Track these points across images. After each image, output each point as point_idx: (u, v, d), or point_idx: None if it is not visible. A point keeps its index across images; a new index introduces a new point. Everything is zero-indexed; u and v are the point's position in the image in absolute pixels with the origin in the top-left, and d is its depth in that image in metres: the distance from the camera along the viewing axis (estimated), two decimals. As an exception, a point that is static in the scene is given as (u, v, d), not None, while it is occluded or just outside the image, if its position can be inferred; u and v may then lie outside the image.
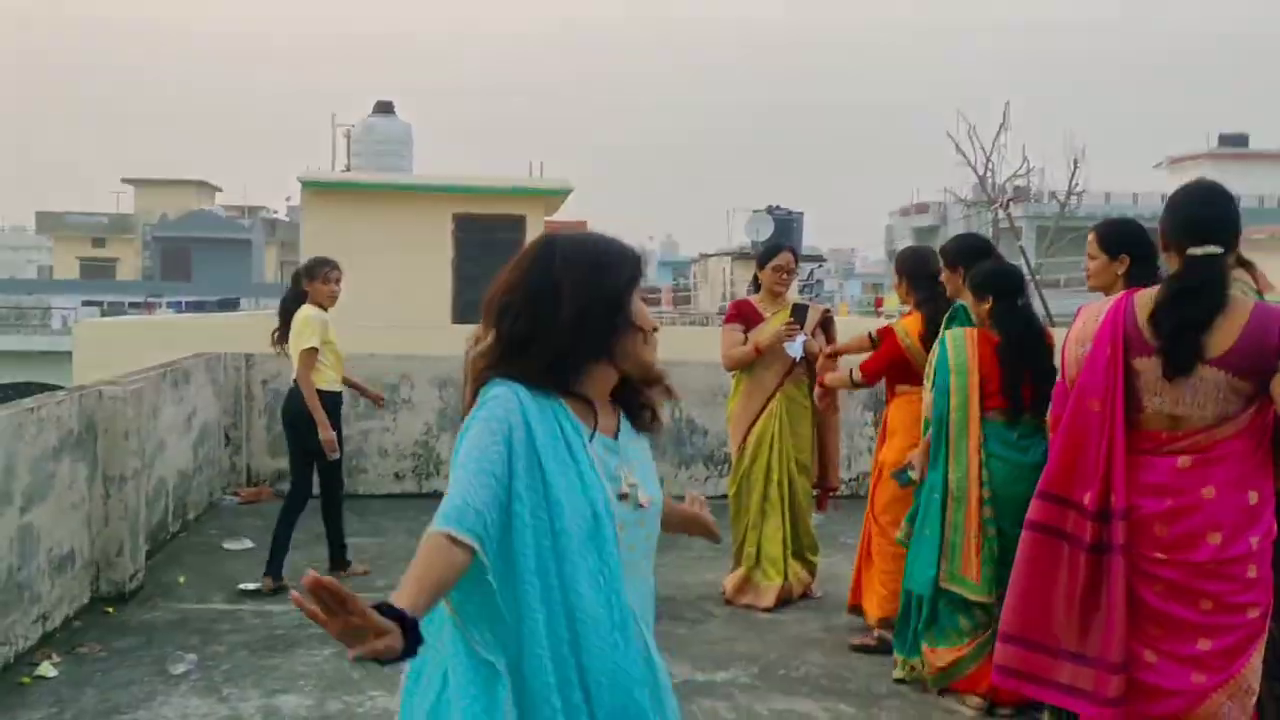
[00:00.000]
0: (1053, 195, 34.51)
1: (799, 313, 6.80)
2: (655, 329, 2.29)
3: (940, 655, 5.25)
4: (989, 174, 27.74)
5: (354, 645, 1.72)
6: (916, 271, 6.08)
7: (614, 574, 2.13)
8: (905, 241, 68.96)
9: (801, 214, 35.86)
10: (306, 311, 7.13)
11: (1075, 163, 28.22)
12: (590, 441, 2.20)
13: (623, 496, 2.20)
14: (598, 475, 2.16)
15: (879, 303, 45.13)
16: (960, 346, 5.23)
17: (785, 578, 6.85)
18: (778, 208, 32.36)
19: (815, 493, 7.14)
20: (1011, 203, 29.31)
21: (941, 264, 5.78)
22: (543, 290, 2.20)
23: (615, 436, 2.28)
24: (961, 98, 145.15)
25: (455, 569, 1.94)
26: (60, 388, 7.51)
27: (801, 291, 37.28)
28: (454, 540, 1.94)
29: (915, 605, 5.37)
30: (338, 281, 7.27)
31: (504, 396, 2.14)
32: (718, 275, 32.50)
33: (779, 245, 7.13)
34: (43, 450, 5.89)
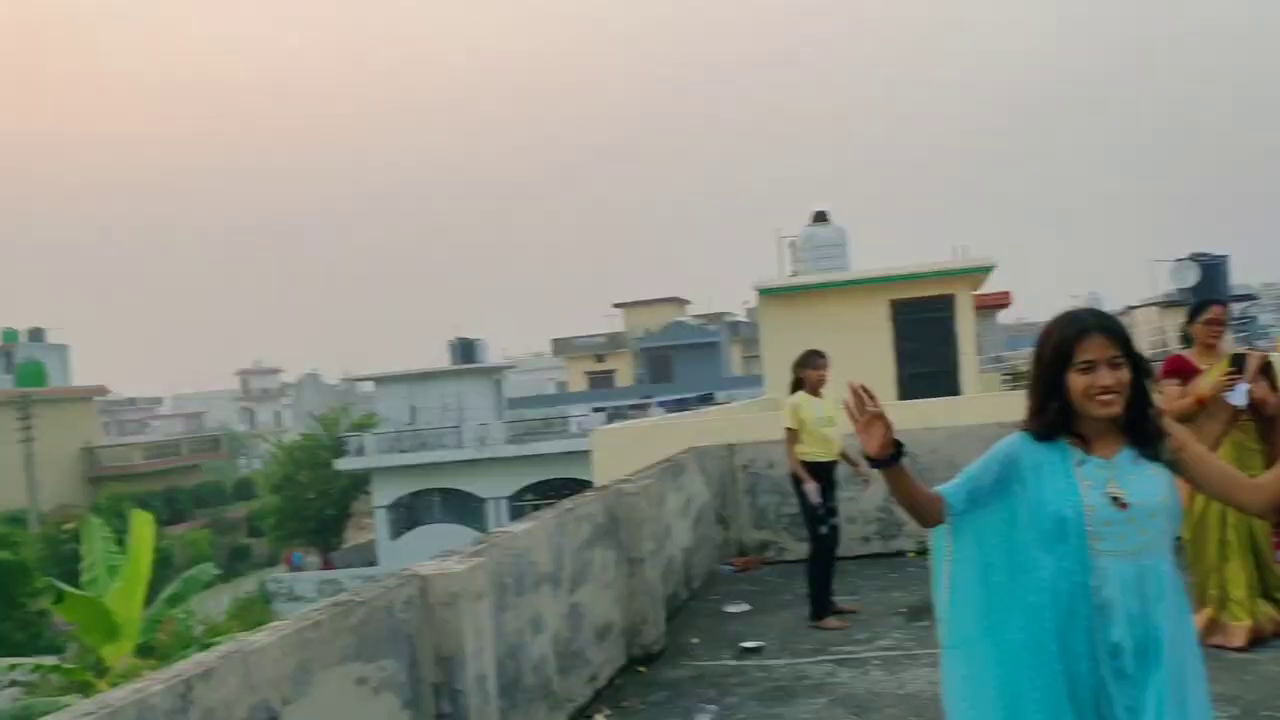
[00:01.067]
0: None
1: (1238, 361, 6.23)
2: (1095, 388, 2.73)
3: None
4: None
5: (867, 442, 2.81)
6: None
7: (1078, 560, 2.72)
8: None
9: (1226, 256, 32.80)
10: (791, 398, 7.93)
11: None
12: (1080, 464, 2.77)
13: (1114, 499, 2.72)
14: (1075, 485, 2.75)
15: (1321, 333, 40.06)
16: None
17: (1255, 618, 6.23)
18: (1201, 255, 29.74)
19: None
20: None
21: None
22: (1032, 362, 2.85)
23: (1112, 458, 2.78)
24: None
25: (935, 504, 2.90)
26: (578, 481, 8.13)
27: (1236, 333, 34.02)
28: (939, 494, 2.91)
29: None
30: (824, 369, 8.00)
31: (1007, 440, 2.86)
32: (1145, 326, 30.19)
33: (1208, 300, 6.63)
34: (580, 541, 6.41)
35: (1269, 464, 6.33)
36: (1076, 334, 2.75)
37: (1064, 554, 2.72)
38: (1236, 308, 35.47)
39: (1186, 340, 6.61)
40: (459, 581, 4.28)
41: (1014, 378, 26.67)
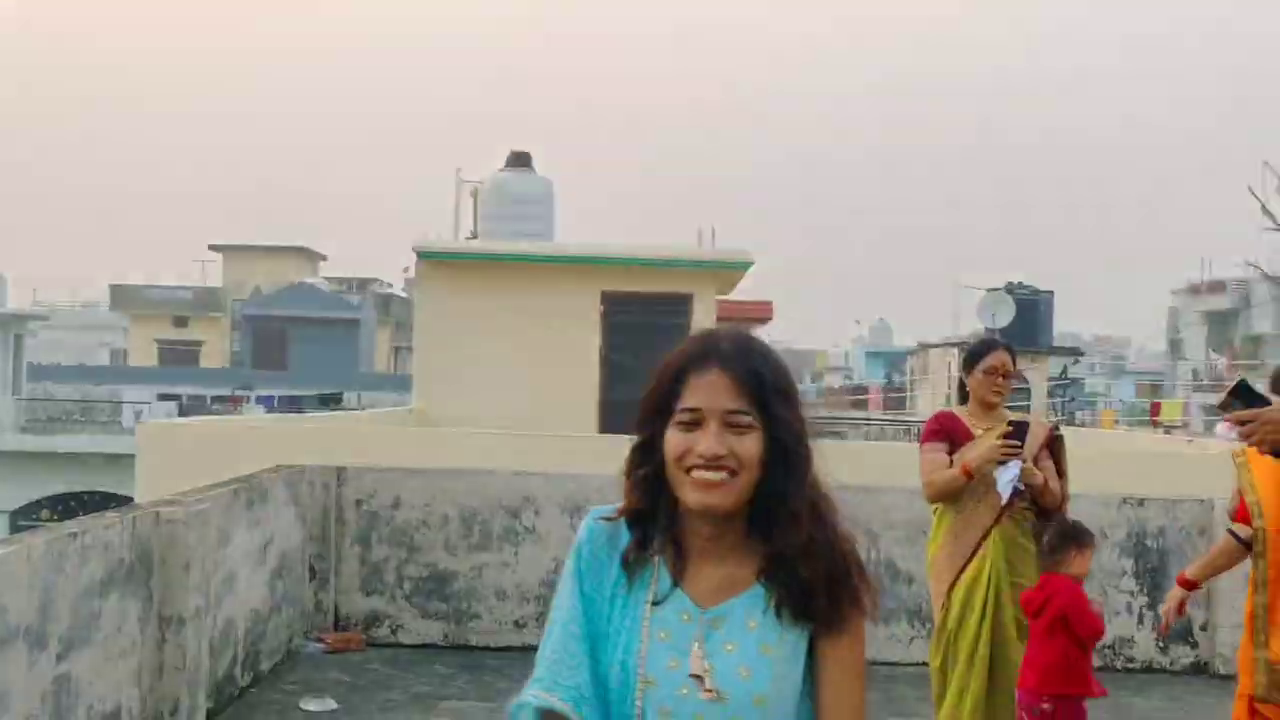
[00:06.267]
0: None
1: (1017, 431, 6.70)
2: (692, 456, 2.42)
3: None
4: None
5: None
6: None
7: None
8: (1193, 328, 67.41)
9: (1051, 294, 35.48)
10: None
11: None
12: (657, 603, 2.47)
13: (695, 678, 2.39)
14: (637, 634, 2.45)
15: (1155, 409, 44.07)
16: None
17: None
18: (1020, 285, 32.10)
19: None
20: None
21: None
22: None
23: (715, 606, 2.46)
24: (1270, 142, 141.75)
25: None
26: (124, 499, 7.88)
27: (1053, 395, 36.68)
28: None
29: None
30: None
31: (571, 558, 2.57)
32: (941, 371, 32.24)
33: (991, 342, 7.09)
34: (87, 585, 6.19)
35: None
36: (687, 364, 2.46)
37: None
38: (1057, 363, 38.40)
39: (962, 393, 7.06)
40: None
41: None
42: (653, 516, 2.49)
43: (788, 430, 2.43)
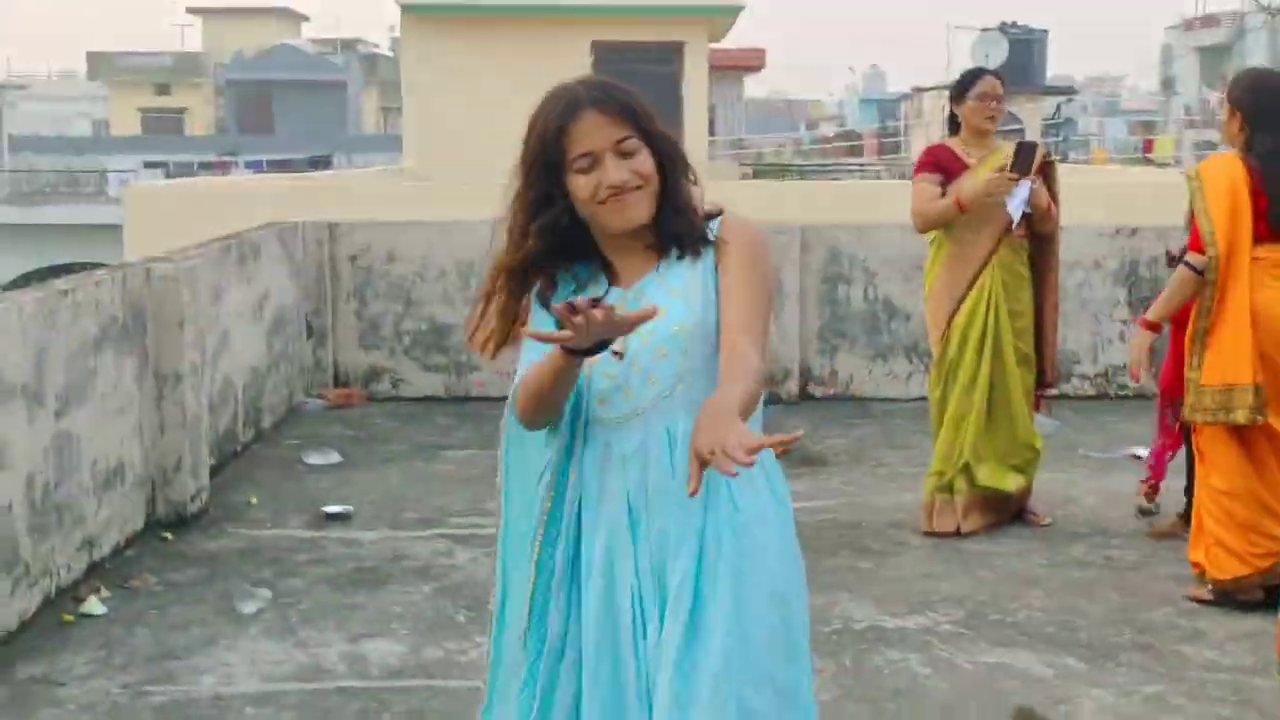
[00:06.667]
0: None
1: (1024, 154, 6.61)
2: (604, 189, 2.79)
3: None
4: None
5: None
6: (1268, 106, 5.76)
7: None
8: (1186, 64, 66.55)
9: (1046, 32, 34.94)
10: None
11: None
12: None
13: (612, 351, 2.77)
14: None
15: (1148, 146, 43.84)
16: None
17: (1000, 496, 6.87)
18: (1013, 25, 31.58)
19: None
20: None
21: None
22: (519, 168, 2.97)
23: (630, 286, 2.90)
24: None
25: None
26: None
27: (1046, 135, 36.39)
28: None
29: None
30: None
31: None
32: (934, 115, 31.88)
33: (980, 70, 7.00)
34: (80, 342, 6.17)
35: (1039, 294, 6.88)
36: (565, 118, 2.79)
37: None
38: (1050, 102, 38.02)
39: (953, 125, 6.97)
40: None
41: (756, 173, 27.58)
42: (554, 256, 2.88)
43: (665, 140, 2.84)
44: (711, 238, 2.88)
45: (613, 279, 2.91)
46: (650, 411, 2.84)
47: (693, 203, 2.90)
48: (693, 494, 2.42)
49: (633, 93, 2.86)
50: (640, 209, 2.80)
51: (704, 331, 2.83)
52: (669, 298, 2.83)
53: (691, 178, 2.90)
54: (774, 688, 2.76)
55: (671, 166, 2.85)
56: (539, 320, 2.88)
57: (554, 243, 2.86)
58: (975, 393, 6.78)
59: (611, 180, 2.76)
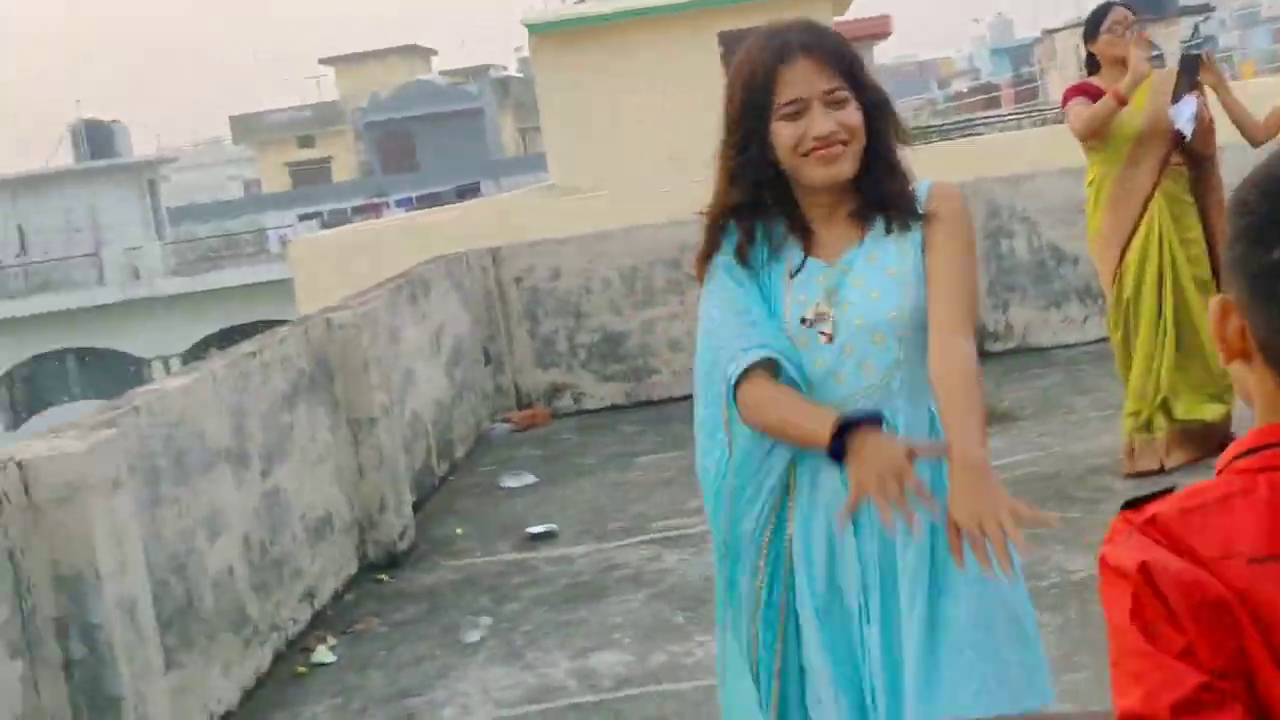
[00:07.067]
0: None
1: (1188, 68, 6.45)
2: (809, 140, 2.67)
3: None
4: None
5: None
6: None
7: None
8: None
9: (1173, -46, 34.07)
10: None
11: None
12: (794, 273, 2.81)
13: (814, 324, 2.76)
14: (782, 304, 2.81)
15: (1300, 52, 42.34)
16: None
17: (1202, 427, 6.72)
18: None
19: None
20: None
21: None
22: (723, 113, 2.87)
23: (836, 260, 2.79)
24: None
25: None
26: (287, 324, 7.97)
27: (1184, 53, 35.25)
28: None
29: None
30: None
31: (720, 271, 2.91)
32: (1068, 55, 31.22)
33: (1108, 3, 6.76)
34: (273, 399, 6.29)
35: (1207, 218, 6.69)
36: (775, 62, 2.67)
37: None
38: (1186, 23, 36.97)
39: (1091, 65, 6.83)
40: (79, 465, 4.13)
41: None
42: (754, 209, 2.78)
43: (877, 92, 2.74)
44: (919, 209, 2.76)
45: (810, 248, 2.79)
46: (863, 400, 2.74)
47: (903, 164, 2.78)
48: (959, 566, 2.43)
49: (845, 40, 2.78)
50: (845, 164, 2.68)
51: (920, 319, 2.73)
52: (883, 277, 2.74)
53: (902, 137, 2.79)
54: (1017, 667, 2.73)
55: (882, 121, 2.74)
56: (724, 279, 2.82)
57: (755, 194, 2.77)
58: (1161, 328, 6.65)
59: (818, 131, 2.64)
